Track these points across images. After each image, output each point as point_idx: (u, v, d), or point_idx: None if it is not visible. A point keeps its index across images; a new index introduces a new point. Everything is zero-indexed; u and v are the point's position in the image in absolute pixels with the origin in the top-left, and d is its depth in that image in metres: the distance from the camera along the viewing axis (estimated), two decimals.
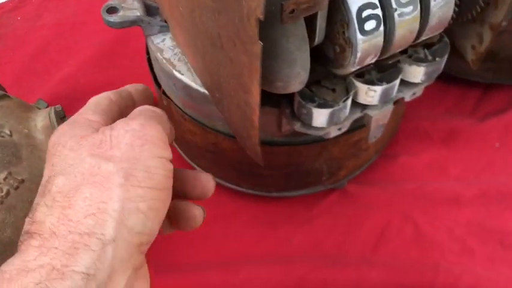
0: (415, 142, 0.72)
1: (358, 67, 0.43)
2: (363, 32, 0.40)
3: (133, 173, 0.30)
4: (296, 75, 0.40)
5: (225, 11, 0.36)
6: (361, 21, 0.39)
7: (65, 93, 0.78)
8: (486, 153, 0.70)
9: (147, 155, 0.31)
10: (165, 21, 0.55)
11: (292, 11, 0.34)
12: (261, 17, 0.31)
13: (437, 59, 0.49)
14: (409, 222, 0.64)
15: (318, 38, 0.41)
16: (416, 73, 0.49)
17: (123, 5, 0.55)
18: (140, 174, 0.30)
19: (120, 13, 0.54)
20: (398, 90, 0.51)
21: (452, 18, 0.44)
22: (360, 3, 0.39)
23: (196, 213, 0.39)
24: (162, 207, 0.32)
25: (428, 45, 0.50)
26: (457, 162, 0.70)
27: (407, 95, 0.52)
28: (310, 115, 0.47)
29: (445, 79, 0.77)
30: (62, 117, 0.60)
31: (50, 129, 0.56)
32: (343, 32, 0.41)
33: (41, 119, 0.56)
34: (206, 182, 0.39)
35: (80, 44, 0.87)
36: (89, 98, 0.81)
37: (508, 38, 0.67)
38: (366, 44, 0.40)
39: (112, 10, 0.54)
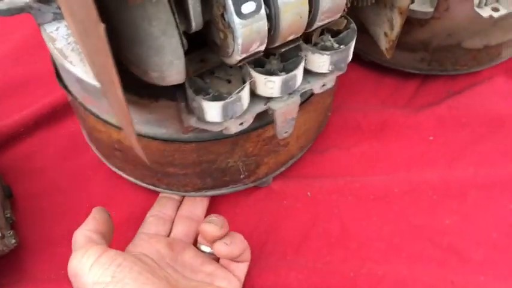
0: (347, 136, 0.68)
1: (244, 55, 0.39)
2: (241, 15, 0.36)
3: None
4: (169, 64, 0.36)
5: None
6: (238, 3, 0.35)
7: None
8: (419, 146, 0.67)
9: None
10: (59, 8, 0.51)
11: None
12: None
13: (342, 46, 0.45)
14: (335, 220, 0.61)
15: (195, 22, 0.37)
16: (321, 62, 0.45)
17: None
18: None
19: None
20: (306, 82, 0.48)
21: (348, 2, 0.41)
22: None
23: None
24: None
25: (335, 32, 0.47)
26: (389, 156, 0.67)
27: (316, 87, 0.48)
28: (201, 109, 0.43)
29: (381, 70, 0.75)
30: None
31: None
32: (222, 16, 0.37)
33: None
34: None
35: (2, 37, 0.82)
36: (6, 94, 0.76)
37: (438, 25, 0.64)
38: (246, 29, 0.37)
39: None
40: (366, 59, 0.74)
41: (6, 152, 0.66)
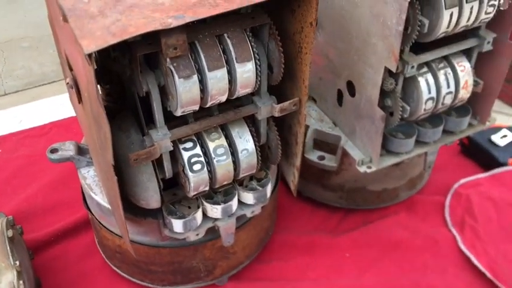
0: (285, 251, 0.94)
1: (195, 193, 0.67)
2: (192, 171, 0.65)
3: None
4: (151, 197, 0.65)
5: (102, 157, 0.61)
6: (191, 165, 0.65)
7: (25, 209, 1.01)
8: (338, 261, 0.92)
9: None
10: (91, 158, 0.81)
11: (136, 159, 0.59)
12: (113, 163, 0.56)
13: (260, 188, 0.73)
14: None
15: (168, 173, 0.66)
16: (248, 197, 0.73)
17: (62, 147, 0.80)
18: None
19: (59, 153, 0.80)
20: (240, 209, 0.75)
21: (258, 163, 0.70)
22: (189, 154, 0.65)
23: None
24: None
25: (259, 179, 0.75)
26: (316, 267, 0.91)
27: (248, 212, 0.76)
28: (171, 224, 0.70)
29: (315, 204, 1.02)
30: (12, 225, 0.83)
31: (1, 237, 0.79)
32: (183, 171, 0.66)
33: None
34: None
35: (45, 171, 1.12)
36: (43, 214, 1.03)
37: (346, 174, 0.93)
38: (195, 178, 0.65)
39: (54, 150, 0.80)
40: (304, 195, 1.02)
41: (40, 254, 0.92)
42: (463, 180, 1.04)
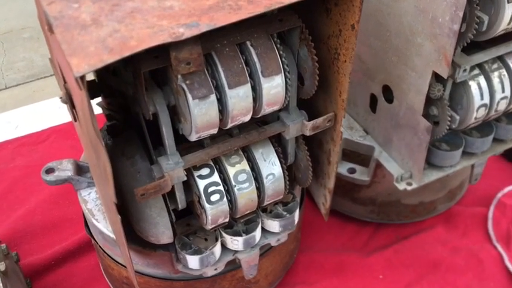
0: (311, 273, 0.84)
1: (213, 226, 0.57)
2: (210, 202, 0.55)
3: None
4: (162, 233, 0.55)
5: (103, 186, 0.51)
6: (208, 195, 0.55)
7: (22, 228, 0.92)
8: (370, 284, 0.82)
9: None
10: (92, 178, 0.71)
11: (143, 194, 0.49)
12: (115, 201, 0.46)
13: (287, 215, 0.63)
14: None
15: (181, 204, 0.56)
16: (274, 226, 0.63)
17: (59, 166, 0.71)
18: None
19: (55, 173, 0.70)
20: (264, 237, 0.65)
21: (286, 189, 0.60)
22: (206, 182, 0.55)
23: None
24: None
25: (285, 203, 0.65)
26: None
27: (273, 241, 0.66)
28: (185, 260, 0.60)
29: (343, 218, 0.92)
30: (5, 254, 0.73)
31: None
32: (199, 201, 0.56)
33: None
34: None
35: (43, 184, 1.02)
36: (42, 233, 0.94)
37: (379, 187, 0.82)
38: (213, 211, 0.55)
39: (50, 171, 0.70)
40: (331, 208, 0.92)
41: (39, 281, 0.83)
42: (507, 189, 0.94)
